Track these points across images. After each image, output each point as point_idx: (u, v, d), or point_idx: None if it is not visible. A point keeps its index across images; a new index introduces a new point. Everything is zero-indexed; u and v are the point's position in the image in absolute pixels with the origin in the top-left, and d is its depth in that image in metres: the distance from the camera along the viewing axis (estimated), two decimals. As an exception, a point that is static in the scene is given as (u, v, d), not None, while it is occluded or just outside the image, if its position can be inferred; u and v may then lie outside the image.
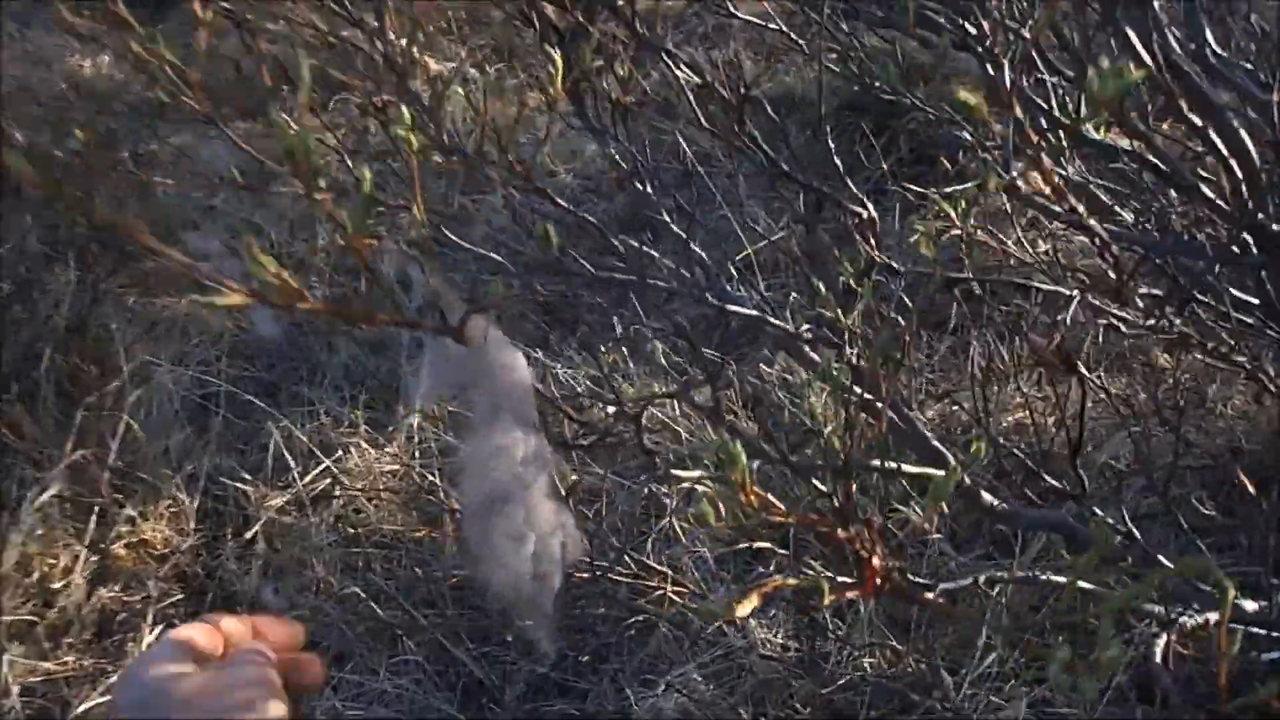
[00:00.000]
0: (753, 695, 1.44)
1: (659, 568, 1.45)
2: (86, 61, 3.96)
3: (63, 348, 2.29)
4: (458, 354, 0.67)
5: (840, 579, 0.52)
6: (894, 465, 1.25)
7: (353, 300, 0.57)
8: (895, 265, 0.96)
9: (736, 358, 2.54)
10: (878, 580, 0.48)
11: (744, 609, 0.43)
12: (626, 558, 1.50)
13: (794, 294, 2.31)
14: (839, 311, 0.84)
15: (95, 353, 2.38)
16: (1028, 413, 2.09)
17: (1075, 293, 1.26)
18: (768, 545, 1.52)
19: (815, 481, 0.92)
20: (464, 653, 1.85)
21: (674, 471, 1.01)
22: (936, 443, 1.33)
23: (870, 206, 1.06)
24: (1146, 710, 1.47)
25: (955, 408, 2.00)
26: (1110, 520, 1.08)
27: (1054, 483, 1.16)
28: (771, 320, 1.12)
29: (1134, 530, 1.11)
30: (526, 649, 1.77)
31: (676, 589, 1.42)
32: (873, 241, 0.96)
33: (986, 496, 1.34)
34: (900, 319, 1.02)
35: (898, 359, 0.80)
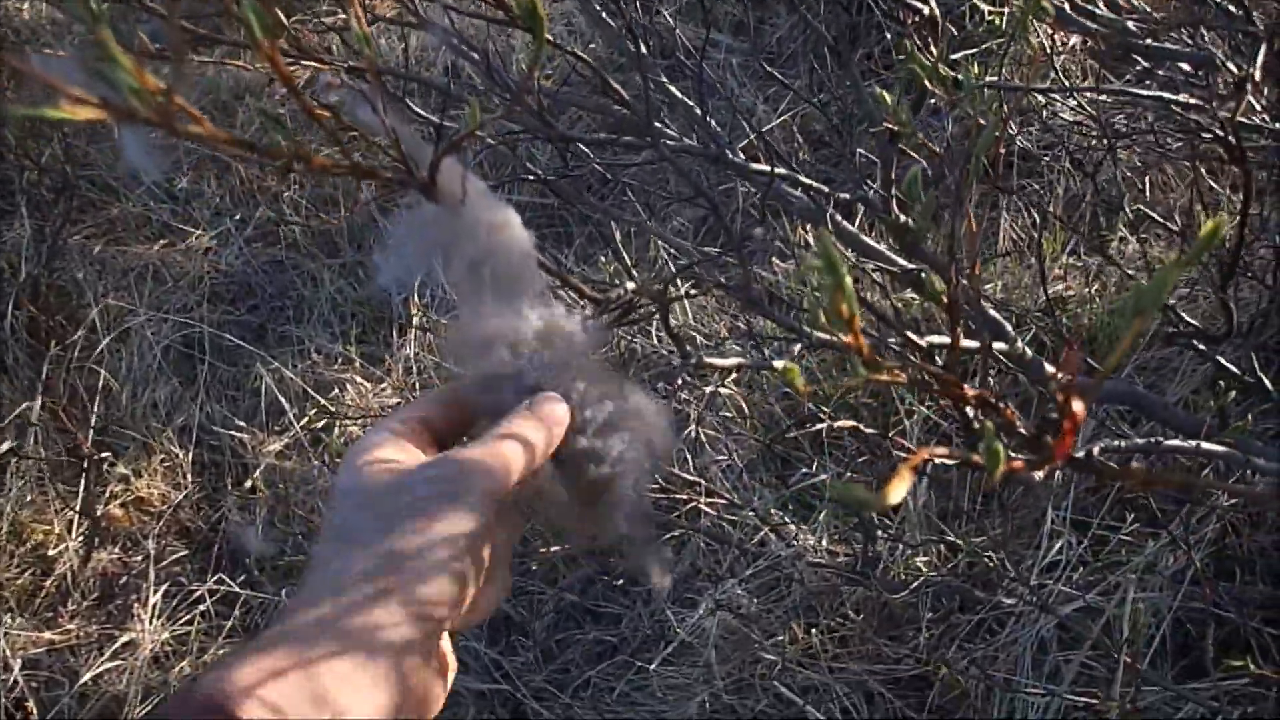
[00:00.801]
0: (802, 605, 1.33)
1: (690, 478, 1.33)
2: (24, 4, 3.70)
3: (27, 303, 2.14)
4: (431, 214, 0.52)
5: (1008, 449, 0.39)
6: (939, 340, 1.10)
7: (280, 137, 0.41)
8: (945, 97, 0.80)
9: (748, 251, 2.38)
10: (1070, 440, 0.35)
11: (897, 490, 0.30)
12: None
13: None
14: (901, 118, 0.68)
15: (62, 305, 2.22)
16: (1068, 285, 1.94)
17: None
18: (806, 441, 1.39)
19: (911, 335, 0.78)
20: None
21: (708, 360, 0.87)
22: (995, 313, 1.18)
23: (933, 2, 0.89)
24: (1225, 587, 1.36)
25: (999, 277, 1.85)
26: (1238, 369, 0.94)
27: (1192, 323, 1.01)
28: (803, 180, 0.96)
29: (1264, 379, 0.96)
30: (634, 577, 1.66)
31: (709, 500, 1.30)
32: (934, 49, 0.80)
33: (1049, 367, 1.20)
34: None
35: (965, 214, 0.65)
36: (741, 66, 3.08)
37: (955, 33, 2.92)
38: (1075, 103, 1.91)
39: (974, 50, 2.62)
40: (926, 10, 0.86)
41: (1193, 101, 0.78)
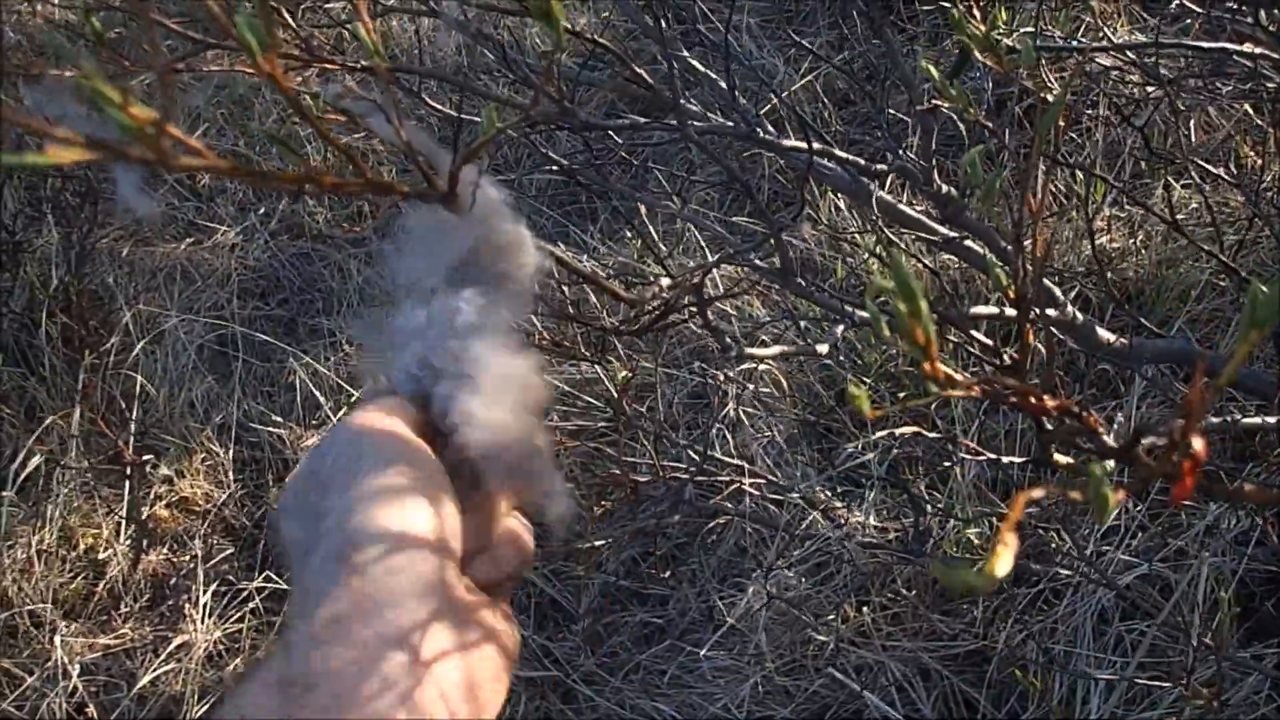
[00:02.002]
0: (852, 584, 1.31)
1: (731, 461, 1.30)
2: (38, 5, 3.70)
3: (60, 310, 2.16)
4: (451, 223, 0.49)
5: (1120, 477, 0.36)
6: (987, 310, 1.06)
7: (289, 159, 0.39)
8: (987, 63, 0.76)
9: (756, 212, 2.33)
10: (1190, 483, 0.31)
11: (1003, 563, 0.27)
12: (691, 453, 1.35)
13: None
14: (951, 93, 0.64)
15: (95, 311, 2.24)
16: (1111, 236, 1.87)
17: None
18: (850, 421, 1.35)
19: (976, 334, 0.74)
20: (535, 572, 1.74)
21: (750, 351, 0.84)
22: (1047, 281, 1.14)
23: None
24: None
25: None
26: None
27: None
28: (837, 153, 0.92)
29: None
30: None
31: (753, 480, 1.28)
32: (976, 10, 0.75)
33: (1102, 332, 1.16)
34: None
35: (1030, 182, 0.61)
36: (761, 26, 3.00)
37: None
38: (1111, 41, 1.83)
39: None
40: None
41: (1259, 52, 0.73)
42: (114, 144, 0.30)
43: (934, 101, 0.66)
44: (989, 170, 0.52)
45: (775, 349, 0.83)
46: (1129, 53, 1.51)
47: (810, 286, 0.99)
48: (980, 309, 1.09)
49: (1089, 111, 1.99)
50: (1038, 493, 0.32)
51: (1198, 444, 0.31)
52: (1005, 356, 0.49)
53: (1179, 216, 1.83)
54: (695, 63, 1.09)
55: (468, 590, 0.41)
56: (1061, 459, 0.60)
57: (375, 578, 0.38)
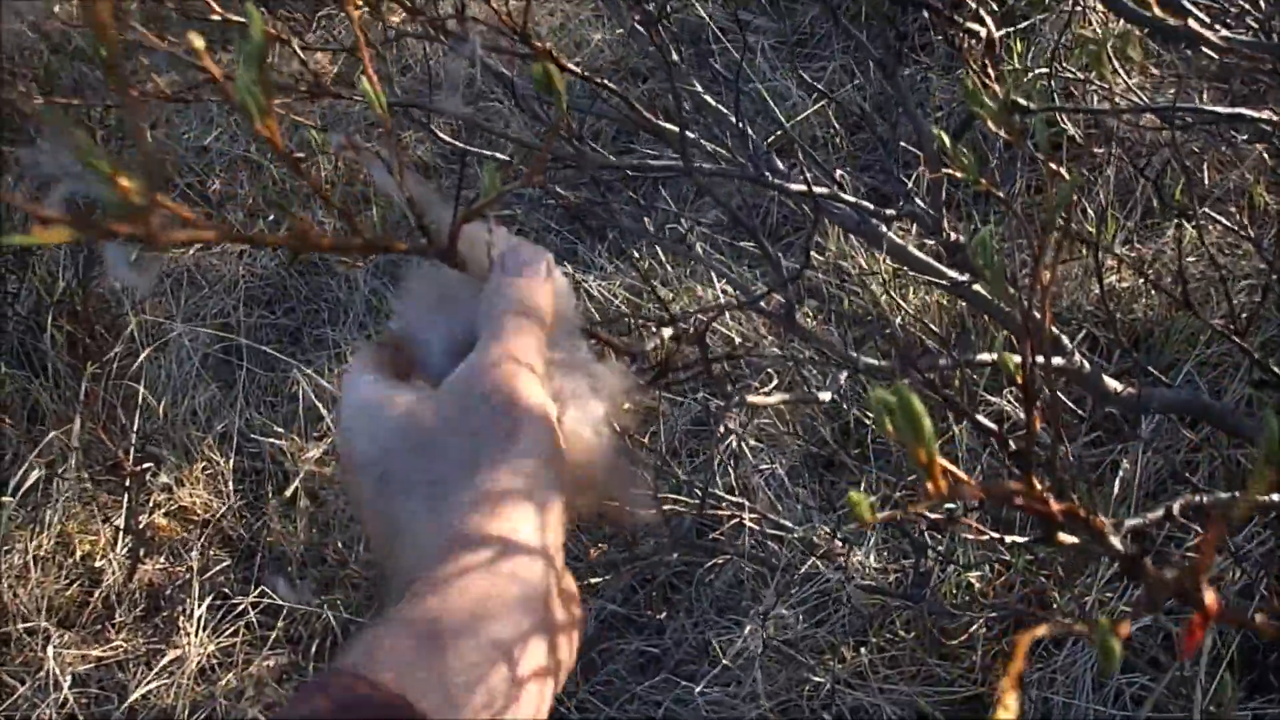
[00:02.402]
0: (849, 626, 1.30)
1: (732, 499, 1.30)
2: (55, 7, 3.71)
3: (66, 316, 2.16)
4: (453, 279, 0.48)
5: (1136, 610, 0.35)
6: (989, 357, 1.05)
7: (299, 225, 0.38)
8: (1026, 102, 0.75)
9: (781, 248, 2.33)
10: (1199, 636, 0.31)
11: (1010, 706, 0.26)
12: (695, 488, 1.34)
13: (841, 171, 2.06)
14: (965, 164, 0.63)
15: (101, 317, 2.24)
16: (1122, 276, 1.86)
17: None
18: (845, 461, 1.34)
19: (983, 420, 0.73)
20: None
21: (751, 398, 0.83)
22: (1052, 327, 1.13)
23: (990, 22, 0.83)
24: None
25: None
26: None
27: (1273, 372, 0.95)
28: (844, 198, 0.92)
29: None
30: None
31: (753, 515, 1.27)
32: (991, 71, 0.74)
33: (1110, 381, 1.15)
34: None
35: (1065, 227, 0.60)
36: (774, 48, 3.00)
37: (996, 7, 2.80)
38: (1127, 86, 1.82)
39: (1019, 26, 2.52)
40: (984, 32, 0.81)
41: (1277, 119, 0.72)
42: (101, 223, 0.30)
43: (945, 170, 0.65)
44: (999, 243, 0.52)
45: (776, 397, 0.82)
46: (1142, 99, 1.50)
47: (816, 319, 0.98)
48: (984, 356, 1.08)
49: (1098, 150, 1.98)
50: (1041, 631, 0.31)
51: (1209, 599, 0.30)
52: (1010, 443, 0.49)
53: (1189, 259, 1.82)
54: (708, 98, 1.09)
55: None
56: (1066, 539, 0.59)
57: (481, 584, 0.37)
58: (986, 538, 0.52)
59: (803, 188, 0.93)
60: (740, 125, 0.98)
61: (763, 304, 1.06)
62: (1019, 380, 0.51)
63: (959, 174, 0.60)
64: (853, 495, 0.37)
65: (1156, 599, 0.38)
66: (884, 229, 1.03)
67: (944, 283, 1.14)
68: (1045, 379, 0.51)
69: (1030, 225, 0.64)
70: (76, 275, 2.15)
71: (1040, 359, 0.55)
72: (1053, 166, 0.65)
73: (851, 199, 0.93)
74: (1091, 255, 1.49)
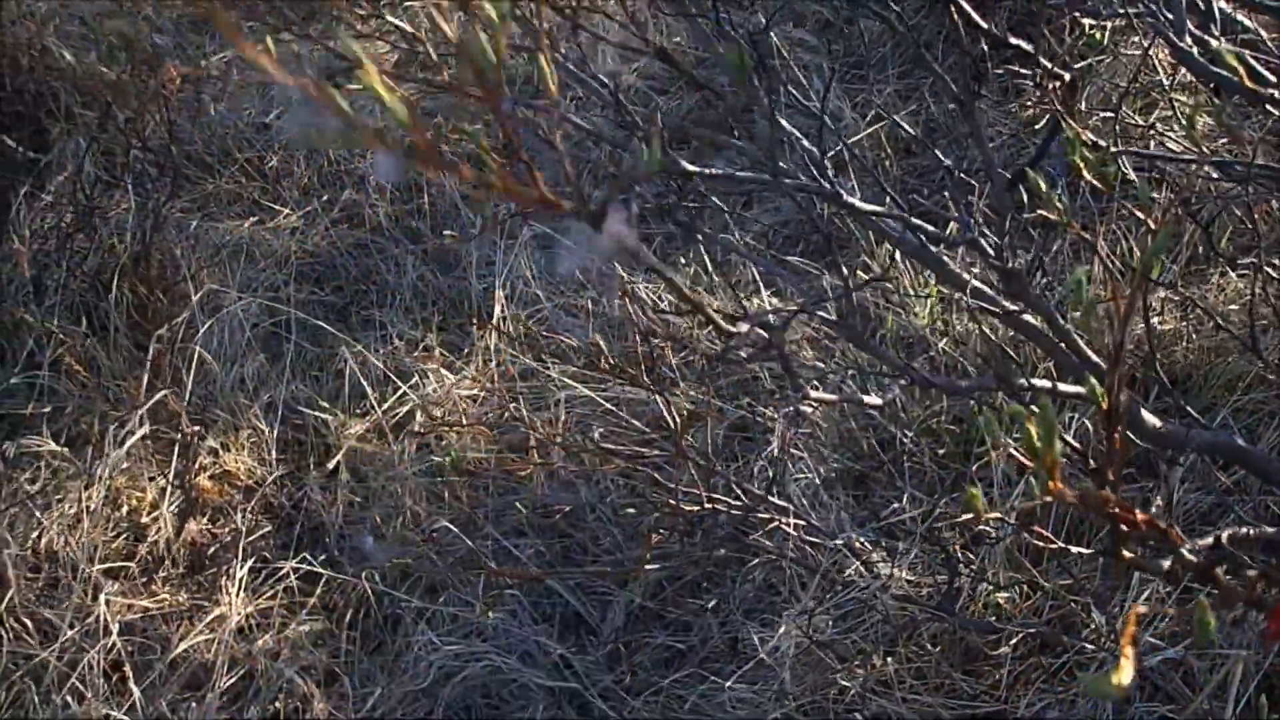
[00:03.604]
0: (880, 634, 1.34)
1: (777, 502, 1.34)
2: (127, -26, 3.80)
3: (130, 277, 2.22)
4: (604, 242, 0.54)
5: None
6: (1046, 384, 1.09)
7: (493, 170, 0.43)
8: (1095, 183, 0.79)
9: (828, 263, 2.37)
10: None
11: (1125, 674, 0.31)
12: (738, 490, 1.38)
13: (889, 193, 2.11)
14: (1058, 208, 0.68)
15: (161, 281, 2.31)
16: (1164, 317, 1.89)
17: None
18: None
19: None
20: (561, 583, 1.78)
21: (814, 395, 0.88)
22: (1094, 355, 1.17)
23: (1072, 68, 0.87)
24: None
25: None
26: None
27: None
28: (915, 222, 0.96)
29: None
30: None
31: (795, 522, 1.31)
32: (1070, 118, 0.79)
33: (1149, 417, 1.19)
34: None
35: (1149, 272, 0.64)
36: (830, 69, 3.04)
37: (1055, 46, 2.83)
38: (1180, 134, 1.86)
39: (1079, 67, 2.55)
40: (1068, 77, 0.85)
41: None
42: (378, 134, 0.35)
43: (1040, 212, 0.70)
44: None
45: (832, 396, 0.87)
46: (1207, 150, 1.54)
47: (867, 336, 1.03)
48: (1039, 382, 1.12)
49: (1154, 196, 2.02)
50: (1141, 609, 0.35)
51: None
52: (1091, 461, 0.53)
53: (1232, 307, 1.85)
54: (786, 124, 1.14)
55: None
56: (1129, 555, 0.63)
57: None
58: (1054, 545, 0.55)
59: (879, 209, 0.97)
60: (823, 159, 1.03)
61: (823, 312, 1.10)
62: (1104, 407, 0.55)
63: (1053, 217, 0.65)
64: (971, 492, 0.41)
65: (1229, 602, 0.42)
66: (945, 256, 1.08)
67: (996, 310, 1.18)
68: (1125, 410, 0.55)
69: (1124, 274, 0.69)
70: (144, 239, 2.22)
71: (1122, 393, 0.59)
72: (1145, 218, 0.69)
73: (920, 223, 0.97)
74: (1140, 294, 1.53)
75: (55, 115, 2.81)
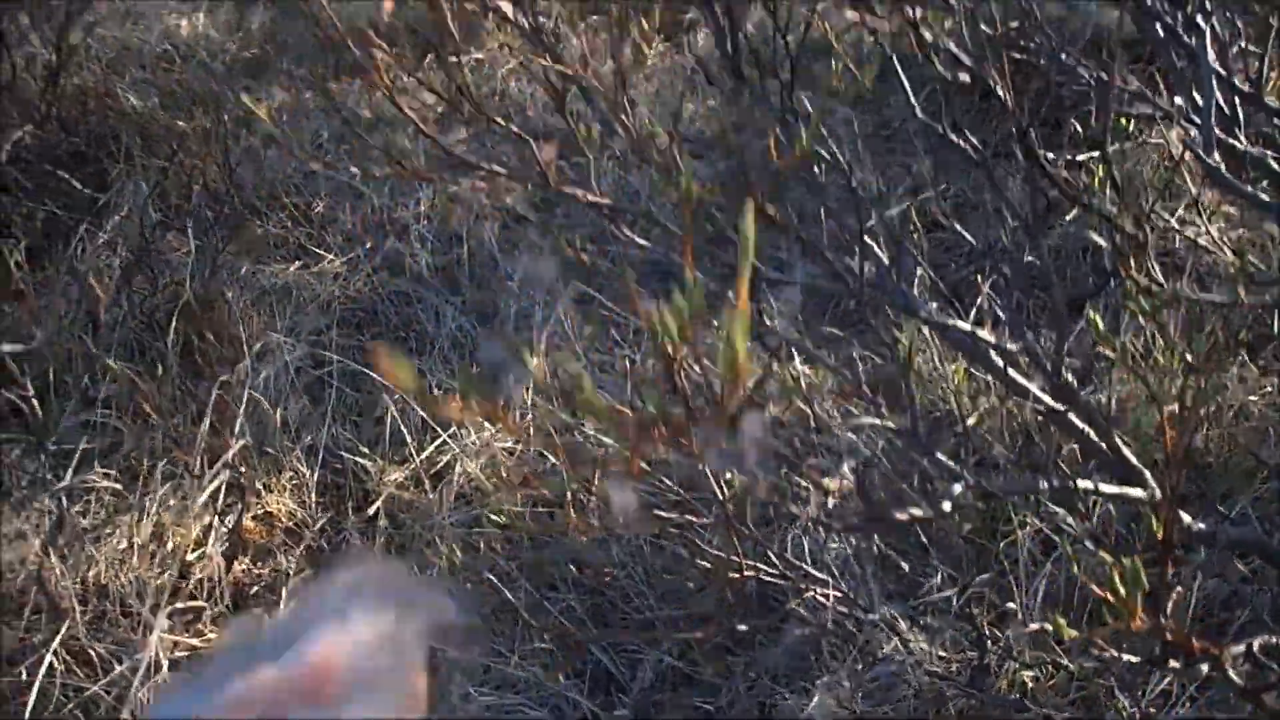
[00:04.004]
0: (910, 707, 1.39)
1: (814, 572, 1.40)
2: (183, 21, 3.95)
3: (186, 319, 2.31)
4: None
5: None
6: (1090, 485, 1.16)
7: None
8: (1164, 288, 0.86)
9: (854, 333, 2.44)
10: None
11: None
12: (769, 554, 1.44)
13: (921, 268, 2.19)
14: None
15: (215, 323, 2.39)
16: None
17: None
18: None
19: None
20: (592, 640, 1.83)
21: (823, 481, 0.94)
22: (1133, 458, 1.23)
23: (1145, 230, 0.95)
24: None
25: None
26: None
27: None
28: (980, 334, 1.03)
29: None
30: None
31: (832, 593, 1.37)
32: (1134, 262, 0.86)
33: (1185, 517, 1.25)
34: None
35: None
36: (863, 142, 3.15)
37: (1080, 130, 2.92)
38: (1201, 227, 1.93)
39: (1094, 153, 2.64)
40: (1140, 236, 0.93)
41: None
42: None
43: (1097, 349, 0.77)
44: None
45: (902, 516, 0.93)
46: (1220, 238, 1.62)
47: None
48: (1085, 483, 1.18)
49: (1177, 285, 2.09)
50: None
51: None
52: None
53: (1252, 397, 1.92)
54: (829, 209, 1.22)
55: None
56: (1174, 664, 0.69)
57: None
58: (1112, 655, 0.61)
59: (953, 322, 1.04)
60: (897, 269, 1.10)
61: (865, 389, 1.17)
62: (1160, 535, 0.61)
63: (1106, 351, 0.72)
64: (1058, 619, 0.48)
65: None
66: (1002, 363, 1.14)
67: (1040, 408, 1.25)
68: (1179, 532, 0.62)
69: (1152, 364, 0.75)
70: (202, 282, 2.31)
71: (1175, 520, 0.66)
72: (1201, 363, 0.76)
73: (985, 335, 1.04)
74: (1192, 420, 1.60)
75: (115, 156, 2.92)
